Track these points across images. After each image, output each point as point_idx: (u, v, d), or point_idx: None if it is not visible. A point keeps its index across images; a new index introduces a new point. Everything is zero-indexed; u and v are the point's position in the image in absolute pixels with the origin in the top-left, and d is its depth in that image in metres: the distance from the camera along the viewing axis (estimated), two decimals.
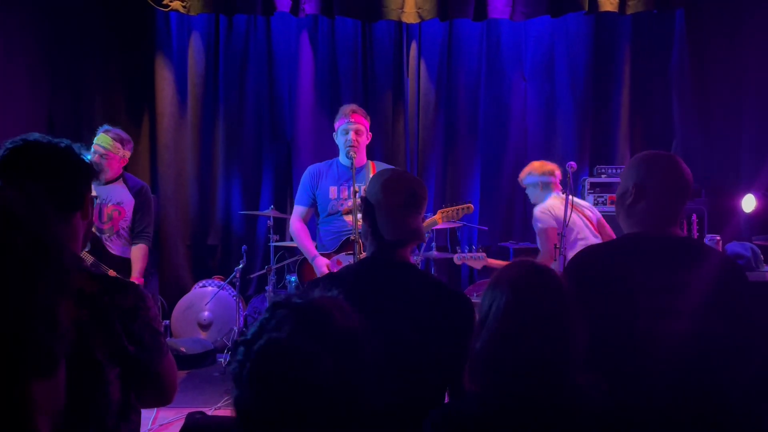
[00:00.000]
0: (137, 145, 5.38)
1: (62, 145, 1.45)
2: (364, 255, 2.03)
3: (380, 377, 1.02)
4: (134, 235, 3.77)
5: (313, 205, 3.79)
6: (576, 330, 1.40)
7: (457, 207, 3.80)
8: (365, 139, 3.73)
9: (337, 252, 3.67)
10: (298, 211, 3.80)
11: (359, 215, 2.23)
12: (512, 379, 1.37)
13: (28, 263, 0.61)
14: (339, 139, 3.72)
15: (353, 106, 3.75)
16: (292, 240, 4.13)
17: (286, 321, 1.01)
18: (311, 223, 3.89)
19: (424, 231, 1.89)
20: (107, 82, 5.33)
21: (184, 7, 4.86)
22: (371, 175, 3.49)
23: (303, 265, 3.87)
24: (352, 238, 3.56)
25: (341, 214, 3.69)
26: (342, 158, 3.77)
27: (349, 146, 3.61)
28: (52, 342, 0.63)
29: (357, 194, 3.39)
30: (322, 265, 3.56)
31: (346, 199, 3.71)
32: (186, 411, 3.28)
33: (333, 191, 3.74)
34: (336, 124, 3.75)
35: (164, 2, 4.82)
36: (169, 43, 5.45)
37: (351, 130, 3.64)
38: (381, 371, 1.03)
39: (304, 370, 0.97)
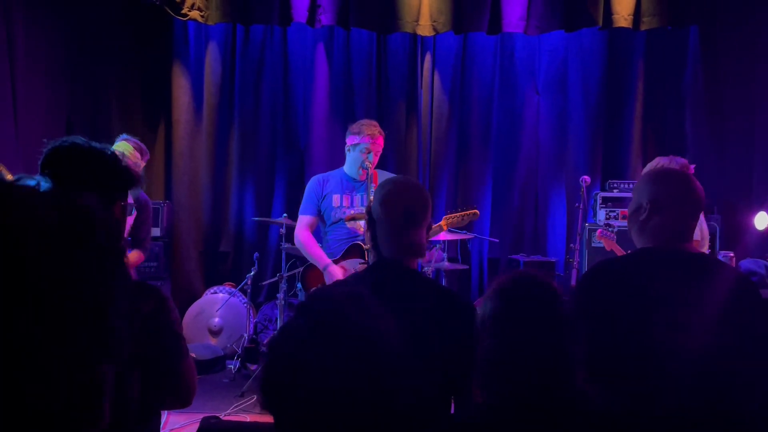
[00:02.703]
0: (153, 151, 5.44)
1: (109, 152, 1.50)
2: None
3: (404, 375, 1.02)
4: (133, 243, 3.73)
5: (319, 214, 3.82)
6: (575, 339, 1.39)
7: (462, 213, 3.75)
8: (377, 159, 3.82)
9: (343, 257, 3.69)
10: (305, 220, 3.80)
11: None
12: (510, 388, 1.37)
13: (107, 262, 0.66)
14: (355, 154, 3.74)
15: (379, 128, 3.78)
16: None
17: (299, 332, 1.00)
18: (317, 233, 3.92)
19: (424, 246, 1.87)
20: (124, 88, 5.40)
21: (202, 16, 4.93)
22: (373, 185, 3.56)
23: (307, 272, 3.88)
24: (364, 246, 3.60)
25: (344, 222, 3.73)
26: (348, 170, 3.82)
27: (368, 167, 3.65)
28: (122, 328, 0.68)
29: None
30: (338, 273, 3.56)
31: (348, 207, 3.76)
32: (196, 417, 3.31)
33: (336, 199, 3.78)
34: (356, 139, 3.73)
35: (183, 11, 4.88)
36: (187, 51, 5.52)
37: (374, 152, 3.72)
38: (404, 367, 1.02)
39: (311, 382, 0.96)
